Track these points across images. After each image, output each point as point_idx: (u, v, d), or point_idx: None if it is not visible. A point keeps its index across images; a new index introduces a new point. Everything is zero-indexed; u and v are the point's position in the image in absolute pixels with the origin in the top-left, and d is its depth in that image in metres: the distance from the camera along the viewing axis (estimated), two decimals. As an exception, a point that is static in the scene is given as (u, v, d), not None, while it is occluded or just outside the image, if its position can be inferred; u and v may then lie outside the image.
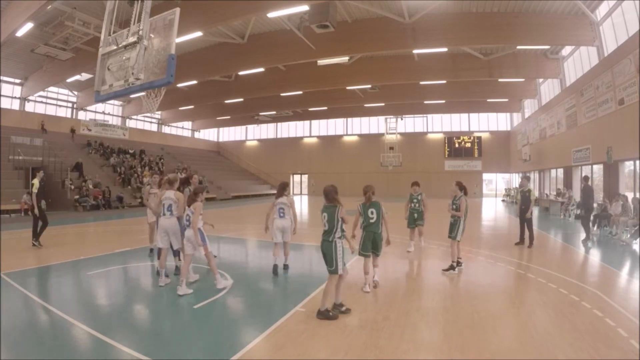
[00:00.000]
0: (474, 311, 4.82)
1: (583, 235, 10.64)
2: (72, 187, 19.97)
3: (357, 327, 4.32)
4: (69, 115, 28.45)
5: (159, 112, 36.00)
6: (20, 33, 14.86)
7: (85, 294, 5.77)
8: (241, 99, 28.03)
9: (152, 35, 4.84)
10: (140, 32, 4.68)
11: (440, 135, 34.59)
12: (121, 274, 6.88)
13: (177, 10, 4.82)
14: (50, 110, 27.26)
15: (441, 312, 4.82)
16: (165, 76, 4.65)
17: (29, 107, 25.70)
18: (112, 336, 3.99)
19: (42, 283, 6.32)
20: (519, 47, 18.48)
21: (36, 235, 9.10)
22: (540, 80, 24.15)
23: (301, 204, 25.27)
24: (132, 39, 4.77)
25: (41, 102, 26.40)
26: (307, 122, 39.21)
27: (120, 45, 4.94)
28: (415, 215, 8.99)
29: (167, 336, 4.14)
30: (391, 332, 4.17)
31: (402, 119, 33.70)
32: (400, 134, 34.10)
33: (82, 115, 29.21)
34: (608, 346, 3.84)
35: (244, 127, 42.24)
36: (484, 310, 4.87)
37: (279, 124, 40.28)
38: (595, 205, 11.92)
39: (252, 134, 42.64)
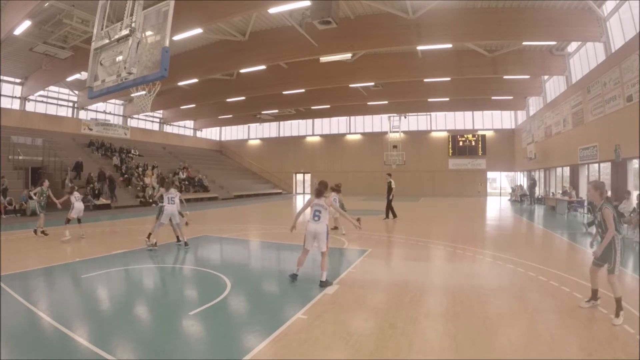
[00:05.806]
0: (485, 317, 4.58)
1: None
2: (77, 188, 19.68)
3: (362, 336, 4.07)
4: (70, 115, 28.31)
5: (161, 111, 35.87)
6: (18, 31, 14.68)
7: (75, 298, 5.53)
8: (243, 97, 27.80)
9: (145, 28, 4.60)
10: (133, 25, 4.44)
11: (444, 134, 34.26)
12: (116, 277, 6.63)
13: (172, 2, 4.58)
14: (51, 110, 27.10)
15: (451, 319, 4.56)
16: (159, 70, 4.40)
17: (30, 106, 25.55)
18: (96, 343, 3.77)
19: (33, 286, 6.07)
20: (524, 43, 18.19)
21: None
22: (546, 77, 23.84)
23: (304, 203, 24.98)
24: (124, 32, 4.53)
25: (42, 101, 26.25)
26: (309, 121, 38.94)
27: (112, 39, 4.71)
28: None
29: (157, 345, 3.86)
30: (399, 341, 3.93)
31: (405, 117, 33.34)
32: (404, 132, 33.80)
33: (83, 115, 29.06)
34: (628, 354, 3.63)
35: (246, 126, 42.04)
36: (496, 317, 4.62)
37: (281, 122, 40.04)
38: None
39: (255, 132, 42.42)
